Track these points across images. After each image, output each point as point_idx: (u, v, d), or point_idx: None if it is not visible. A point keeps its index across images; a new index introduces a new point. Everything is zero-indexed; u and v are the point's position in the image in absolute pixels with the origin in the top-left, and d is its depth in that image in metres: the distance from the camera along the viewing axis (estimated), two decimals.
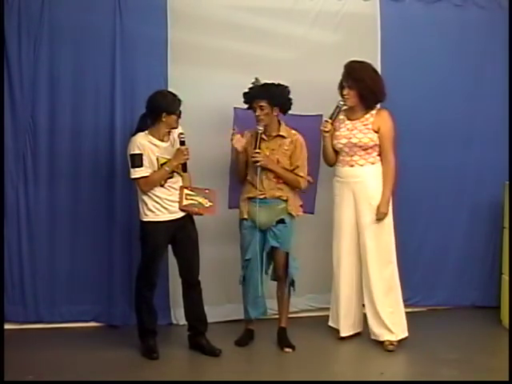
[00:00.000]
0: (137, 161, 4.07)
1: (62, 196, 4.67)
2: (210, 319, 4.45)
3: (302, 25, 4.88)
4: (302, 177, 4.40)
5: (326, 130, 4.37)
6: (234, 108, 4.70)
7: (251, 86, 4.36)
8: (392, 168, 4.36)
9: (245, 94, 4.37)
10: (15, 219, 4.61)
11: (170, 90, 4.54)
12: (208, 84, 4.64)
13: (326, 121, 4.38)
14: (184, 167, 4.21)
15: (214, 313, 4.63)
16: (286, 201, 4.36)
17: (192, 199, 4.18)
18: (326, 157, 4.54)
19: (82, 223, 4.71)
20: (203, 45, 4.70)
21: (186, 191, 4.18)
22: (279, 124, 4.39)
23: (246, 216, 4.35)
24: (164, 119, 4.10)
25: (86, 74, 4.63)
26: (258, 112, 4.28)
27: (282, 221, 4.34)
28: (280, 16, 4.84)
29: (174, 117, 4.12)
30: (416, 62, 4.98)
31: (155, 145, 4.13)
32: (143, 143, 4.10)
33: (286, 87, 4.35)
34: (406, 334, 4.41)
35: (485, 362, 4.17)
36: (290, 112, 4.67)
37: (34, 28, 4.52)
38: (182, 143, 4.17)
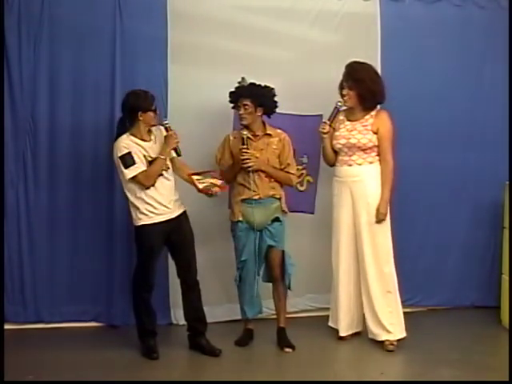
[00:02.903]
0: (128, 160, 4.05)
1: (61, 196, 4.67)
2: (209, 319, 4.45)
3: (302, 25, 4.87)
4: (293, 174, 4.47)
5: (325, 131, 4.38)
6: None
7: (237, 85, 4.37)
8: (390, 169, 4.36)
9: (231, 94, 4.38)
10: (15, 219, 4.61)
11: (169, 90, 4.57)
12: (208, 84, 4.64)
13: (324, 122, 4.38)
14: (176, 151, 4.20)
15: (213, 313, 4.64)
16: (279, 199, 4.40)
17: (204, 182, 4.20)
18: (325, 157, 4.55)
19: (82, 223, 4.71)
20: (203, 45, 4.70)
21: (195, 177, 4.20)
22: (264, 124, 4.40)
23: (240, 218, 4.36)
24: (141, 118, 4.10)
25: (86, 74, 4.63)
26: (242, 111, 4.30)
27: (276, 219, 4.38)
28: (280, 16, 4.84)
29: (150, 114, 4.12)
30: (416, 61, 4.98)
31: (138, 144, 4.12)
32: (128, 143, 4.09)
33: (272, 89, 4.37)
34: (404, 334, 4.41)
35: (485, 362, 4.17)
36: (290, 112, 4.69)
37: (34, 28, 4.52)
38: (167, 130, 4.16)
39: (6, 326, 4.34)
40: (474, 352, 4.35)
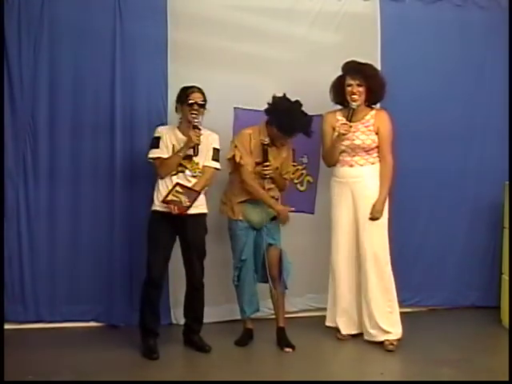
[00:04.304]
0: (153, 143, 4.23)
1: (61, 196, 4.67)
2: (209, 319, 4.45)
3: (302, 25, 4.88)
4: (288, 180, 4.58)
5: (347, 132, 4.30)
6: (234, 108, 4.72)
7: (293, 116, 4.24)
8: (390, 168, 4.36)
9: (294, 127, 4.26)
10: (15, 219, 4.60)
11: (169, 90, 4.58)
12: (208, 84, 4.62)
13: (345, 123, 4.30)
14: (195, 151, 4.19)
15: (213, 313, 4.64)
16: (276, 199, 4.43)
17: (177, 196, 4.14)
18: (331, 158, 4.47)
19: (82, 223, 4.71)
20: (203, 45, 4.70)
21: (177, 188, 4.15)
22: None
23: (240, 217, 4.36)
24: (181, 110, 4.21)
25: (86, 74, 4.63)
26: (284, 142, 4.35)
27: (274, 218, 4.40)
28: (280, 16, 4.84)
29: (185, 108, 4.18)
30: (416, 61, 4.98)
31: (174, 134, 4.20)
32: (163, 128, 4.29)
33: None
34: (400, 334, 4.40)
35: (485, 362, 4.17)
36: None
37: (34, 28, 4.52)
38: (194, 127, 4.17)
39: (6, 326, 4.33)
40: (474, 352, 4.35)
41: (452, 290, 5.22)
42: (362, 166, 4.39)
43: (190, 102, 4.16)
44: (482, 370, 4.03)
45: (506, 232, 4.86)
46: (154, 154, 4.20)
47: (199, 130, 4.16)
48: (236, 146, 4.32)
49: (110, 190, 4.67)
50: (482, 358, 4.25)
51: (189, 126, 4.18)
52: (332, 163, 4.51)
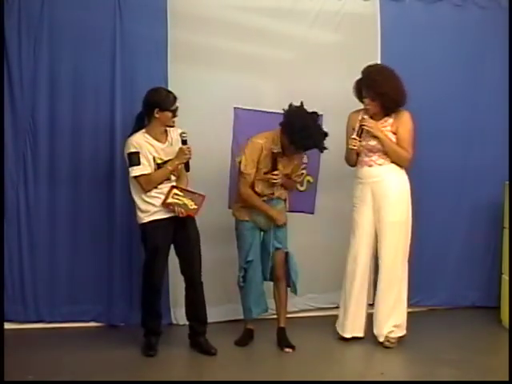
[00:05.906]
0: (134, 159, 4.08)
1: (62, 196, 4.67)
2: (210, 319, 4.44)
3: (302, 25, 4.87)
4: (297, 182, 4.58)
5: (355, 148, 4.28)
6: (234, 108, 4.72)
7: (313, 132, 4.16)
8: (406, 155, 4.28)
9: (308, 145, 4.20)
10: (15, 219, 4.60)
11: (170, 90, 4.56)
12: (208, 84, 4.64)
13: (354, 139, 4.27)
14: (186, 166, 4.21)
15: (214, 313, 4.62)
16: (284, 200, 4.42)
17: (178, 199, 4.13)
18: (348, 159, 4.45)
19: (82, 223, 4.71)
20: (203, 45, 4.70)
21: (174, 190, 4.14)
22: None
23: (247, 218, 4.35)
24: (157, 115, 4.10)
25: (86, 74, 4.62)
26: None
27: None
28: (280, 16, 4.84)
29: (167, 114, 4.11)
30: (416, 62, 4.98)
31: (151, 144, 4.13)
32: (139, 142, 4.11)
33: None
34: (404, 332, 4.40)
35: (485, 362, 4.17)
36: None
37: (34, 28, 4.52)
38: (184, 142, 4.16)
39: (6, 326, 4.33)
40: (474, 352, 4.35)
41: (452, 290, 5.22)
42: (381, 165, 4.33)
43: (174, 108, 4.14)
44: (482, 369, 4.03)
45: (506, 232, 4.86)
46: (137, 171, 4.08)
47: (186, 143, 4.15)
48: (245, 154, 4.26)
49: (109, 189, 4.67)
50: (482, 357, 4.26)
51: (163, 132, 4.17)
52: (351, 164, 4.47)
